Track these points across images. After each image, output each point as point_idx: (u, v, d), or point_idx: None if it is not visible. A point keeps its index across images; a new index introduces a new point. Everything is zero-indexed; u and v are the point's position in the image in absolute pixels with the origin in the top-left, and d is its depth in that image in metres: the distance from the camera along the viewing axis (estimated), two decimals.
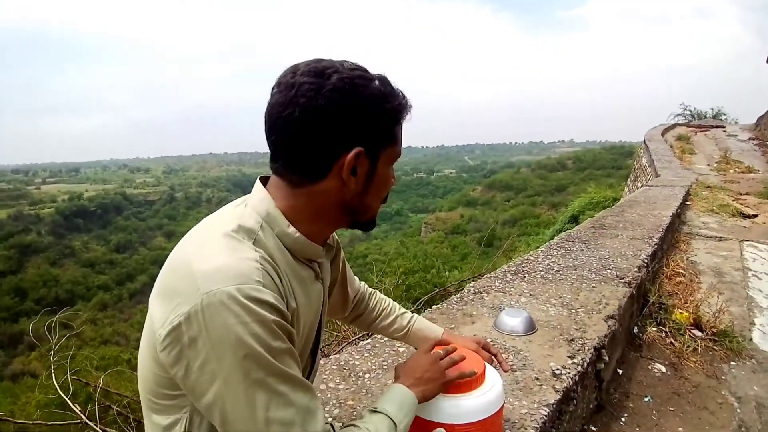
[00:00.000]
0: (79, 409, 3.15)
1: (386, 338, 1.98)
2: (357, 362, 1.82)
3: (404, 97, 0.89)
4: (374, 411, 0.90)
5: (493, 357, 1.26)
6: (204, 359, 0.72)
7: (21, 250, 56.17)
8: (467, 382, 1.05)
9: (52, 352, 3.64)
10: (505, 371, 1.27)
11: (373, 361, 1.83)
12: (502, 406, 1.10)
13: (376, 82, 0.85)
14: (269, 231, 0.85)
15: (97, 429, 3.01)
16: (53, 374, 3.47)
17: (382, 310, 1.33)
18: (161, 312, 0.76)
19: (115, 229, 71.75)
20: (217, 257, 0.76)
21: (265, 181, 0.91)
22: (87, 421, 3.05)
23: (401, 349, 1.92)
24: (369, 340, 2.02)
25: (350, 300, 1.27)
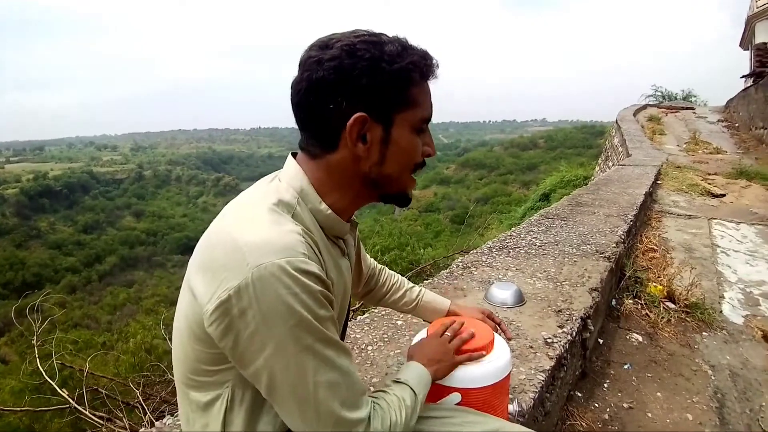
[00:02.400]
0: (67, 394, 3.14)
1: (384, 312, 2.06)
2: (358, 335, 1.88)
3: (424, 57, 0.87)
4: (397, 381, 0.96)
5: (497, 326, 1.34)
6: (254, 329, 0.74)
7: None
8: (479, 349, 1.11)
9: (36, 336, 3.60)
10: (509, 339, 1.34)
11: (373, 334, 1.89)
12: (510, 370, 1.18)
13: (386, 45, 0.84)
14: (304, 206, 0.87)
15: (87, 413, 3.00)
16: (37, 359, 3.44)
17: (392, 285, 1.38)
18: (206, 287, 0.77)
19: (82, 209, 69.46)
20: (263, 230, 0.79)
21: (294, 156, 0.94)
22: (76, 405, 3.03)
23: (399, 322, 1.99)
24: (367, 315, 2.08)
25: (364, 276, 1.31)
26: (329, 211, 0.90)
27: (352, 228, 1.06)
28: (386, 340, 1.85)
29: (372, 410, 0.83)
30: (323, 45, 0.84)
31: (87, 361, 3.60)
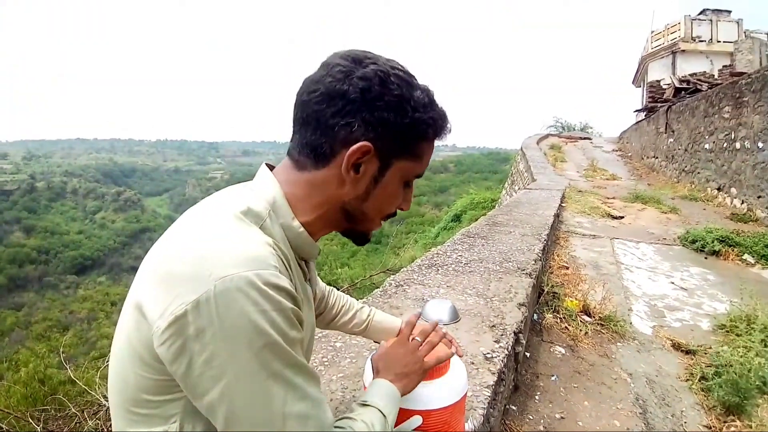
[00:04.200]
0: None
1: (321, 333, 1.99)
2: None
3: (443, 117, 0.86)
4: (365, 404, 0.89)
5: (449, 343, 1.32)
6: (212, 352, 0.66)
7: None
8: (438, 369, 1.08)
9: None
10: (460, 356, 1.33)
11: (312, 358, 1.81)
12: (468, 388, 1.17)
13: (417, 90, 0.82)
14: (275, 220, 0.81)
15: None
16: None
17: (341, 306, 1.32)
18: (159, 302, 0.69)
19: None
20: (230, 239, 0.72)
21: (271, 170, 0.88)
22: None
23: (338, 344, 1.93)
24: None
25: (317, 300, 1.24)
26: (301, 229, 0.84)
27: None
28: (326, 363, 1.79)
29: None
30: (357, 59, 0.80)
31: None
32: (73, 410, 3.21)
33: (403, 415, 1.05)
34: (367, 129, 0.79)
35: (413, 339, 1.06)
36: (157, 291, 0.70)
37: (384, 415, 0.88)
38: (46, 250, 54.84)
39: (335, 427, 0.79)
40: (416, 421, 1.05)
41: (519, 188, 11.90)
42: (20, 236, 59.91)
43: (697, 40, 19.92)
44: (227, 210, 0.78)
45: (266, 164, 0.89)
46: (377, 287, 2.79)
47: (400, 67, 0.83)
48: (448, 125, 0.87)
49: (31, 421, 3.09)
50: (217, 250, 0.70)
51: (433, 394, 1.07)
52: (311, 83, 0.80)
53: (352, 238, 0.92)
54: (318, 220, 0.86)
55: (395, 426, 1.05)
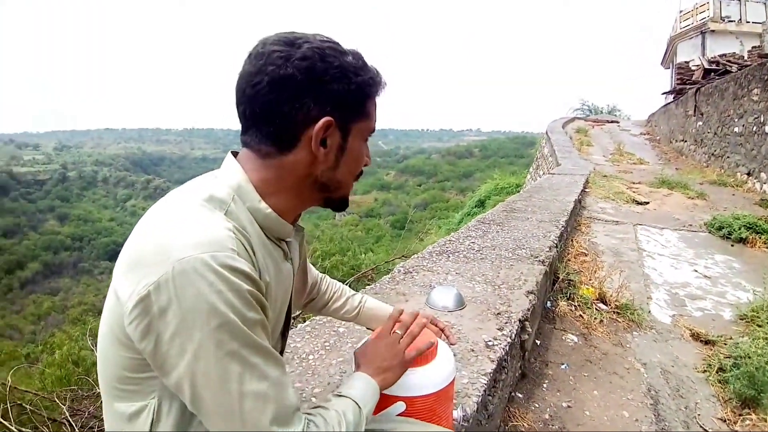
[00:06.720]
0: None
1: (325, 319, 2.00)
2: (299, 344, 1.82)
3: (377, 73, 0.90)
4: (340, 396, 0.90)
5: (441, 331, 1.31)
6: (174, 330, 0.69)
7: None
8: (423, 356, 1.07)
9: None
10: (453, 344, 1.32)
11: (315, 343, 1.83)
12: (455, 376, 1.15)
13: (349, 56, 0.85)
14: (241, 204, 0.83)
15: (13, 429, 2.80)
16: None
17: (334, 293, 1.34)
18: (128, 284, 0.72)
19: (1, 211, 64.65)
20: (189, 224, 0.75)
21: (235, 155, 0.89)
22: (1, 420, 2.83)
23: (341, 329, 1.94)
24: (308, 322, 2.01)
25: (308, 285, 1.26)
26: (269, 209, 0.85)
27: (298, 232, 1.01)
28: (328, 348, 1.80)
29: (306, 428, 0.77)
30: (289, 42, 0.81)
31: (9, 375, 3.36)
32: (98, 389, 3.31)
33: (387, 401, 1.05)
34: (322, 105, 0.82)
35: (394, 332, 1.05)
36: (126, 275, 0.74)
37: (359, 407, 0.88)
38: (80, 237, 56.35)
39: (306, 414, 0.80)
40: (399, 407, 1.05)
41: (543, 173, 11.69)
42: (54, 224, 61.58)
43: (726, 20, 19.17)
44: (190, 197, 0.80)
45: (232, 152, 0.90)
46: None
47: (328, 39, 0.86)
48: (383, 79, 0.92)
49: (57, 401, 3.20)
50: (177, 234, 0.73)
51: (418, 381, 1.06)
52: (251, 76, 0.81)
53: (334, 206, 0.96)
54: (290, 199, 0.88)
55: (378, 411, 1.05)
